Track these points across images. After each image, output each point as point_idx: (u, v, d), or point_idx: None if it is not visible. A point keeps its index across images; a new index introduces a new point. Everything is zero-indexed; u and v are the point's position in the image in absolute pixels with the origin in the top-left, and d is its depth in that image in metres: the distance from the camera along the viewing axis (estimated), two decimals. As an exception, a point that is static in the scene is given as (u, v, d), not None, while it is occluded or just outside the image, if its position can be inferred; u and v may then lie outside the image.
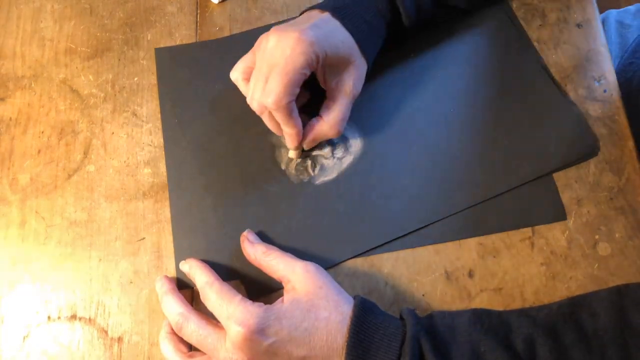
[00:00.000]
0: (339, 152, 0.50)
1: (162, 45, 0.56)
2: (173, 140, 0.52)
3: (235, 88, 0.50)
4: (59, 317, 0.47)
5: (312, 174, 0.50)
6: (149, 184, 0.51)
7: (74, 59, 0.56)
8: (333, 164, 0.50)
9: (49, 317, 0.47)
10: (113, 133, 0.53)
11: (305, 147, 0.49)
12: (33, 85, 0.55)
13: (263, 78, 0.45)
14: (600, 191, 0.48)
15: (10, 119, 0.54)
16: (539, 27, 0.54)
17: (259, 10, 0.57)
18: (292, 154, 0.50)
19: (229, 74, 0.50)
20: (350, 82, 0.47)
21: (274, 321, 0.39)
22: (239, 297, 0.41)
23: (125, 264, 0.48)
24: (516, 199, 0.48)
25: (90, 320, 0.47)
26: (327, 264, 0.47)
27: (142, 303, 0.47)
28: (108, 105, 0.54)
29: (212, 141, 0.51)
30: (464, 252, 0.47)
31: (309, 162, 0.50)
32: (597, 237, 0.46)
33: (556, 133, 0.49)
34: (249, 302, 0.41)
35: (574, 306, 0.41)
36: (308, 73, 0.45)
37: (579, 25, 0.53)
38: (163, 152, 0.52)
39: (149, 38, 0.57)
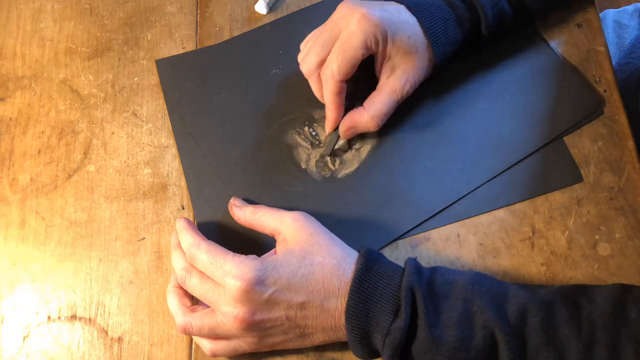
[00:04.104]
0: (355, 143, 0.50)
1: (162, 46, 0.56)
2: (188, 151, 0.51)
3: (241, 95, 0.50)
4: (59, 317, 0.47)
5: (333, 169, 0.50)
6: (149, 184, 0.51)
7: (74, 59, 0.56)
8: (352, 156, 0.50)
9: (49, 317, 0.47)
10: (113, 133, 0.53)
11: (342, 135, 0.49)
12: (33, 85, 0.55)
13: (320, 44, 0.46)
14: (600, 191, 0.48)
15: (10, 119, 0.54)
16: (539, 27, 0.54)
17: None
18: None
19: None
20: (403, 81, 0.47)
21: (272, 271, 0.40)
22: (230, 253, 0.41)
23: (125, 264, 0.48)
24: (533, 167, 0.49)
25: (90, 320, 0.47)
26: None
27: (142, 303, 0.47)
28: (108, 105, 0.54)
29: (227, 150, 0.51)
30: (464, 252, 0.47)
31: (328, 158, 0.50)
32: (597, 237, 0.46)
33: (561, 96, 0.51)
34: (242, 256, 0.41)
35: (574, 290, 0.41)
36: (365, 54, 0.45)
37: (579, 25, 0.53)
38: (163, 153, 0.52)
39: (149, 38, 0.57)
